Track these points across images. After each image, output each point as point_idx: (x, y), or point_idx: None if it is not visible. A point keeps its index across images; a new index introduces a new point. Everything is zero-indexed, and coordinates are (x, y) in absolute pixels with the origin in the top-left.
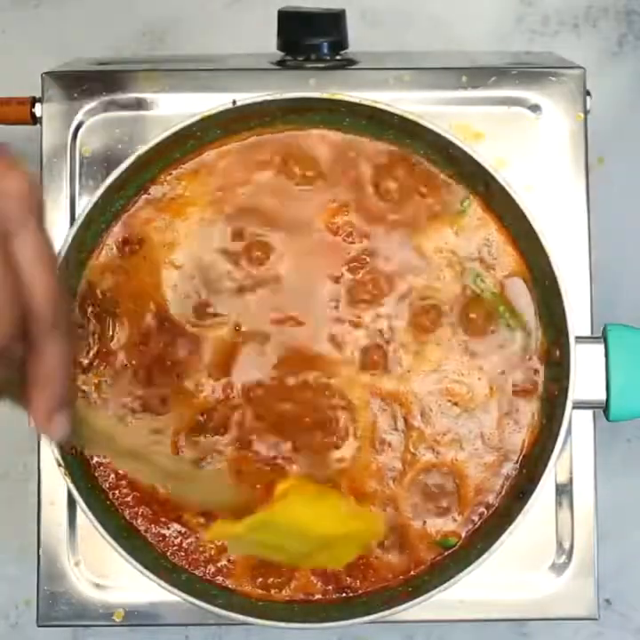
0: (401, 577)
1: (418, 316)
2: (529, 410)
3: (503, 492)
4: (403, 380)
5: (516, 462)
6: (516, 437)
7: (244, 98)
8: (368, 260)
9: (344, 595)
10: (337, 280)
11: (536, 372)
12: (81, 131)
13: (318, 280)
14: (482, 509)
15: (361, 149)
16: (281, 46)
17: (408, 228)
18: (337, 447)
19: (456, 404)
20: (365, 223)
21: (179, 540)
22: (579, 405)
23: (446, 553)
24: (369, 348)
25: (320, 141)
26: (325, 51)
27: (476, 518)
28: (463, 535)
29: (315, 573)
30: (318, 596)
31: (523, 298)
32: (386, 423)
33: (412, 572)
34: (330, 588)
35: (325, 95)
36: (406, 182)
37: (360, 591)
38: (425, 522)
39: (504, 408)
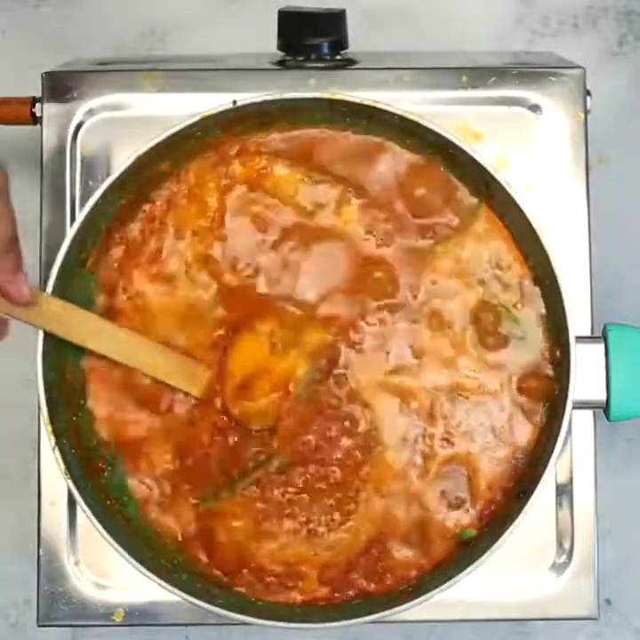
0: (416, 574)
1: (432, 317)
2: (534, 410)
3: (511, 488)
4: (417, 376)
5: (519, 462)
6: (524, 435)
7: (244, 98)
8: (384, 262)
9: (351, 596)
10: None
11: (541, 372)
12: (81, 131)
13: (328, 278)
14: (494, 504)
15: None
16: (281, 46)
17: (420, 233)
18: (358, 450)
19: (467, 398)
20: (382, 228)
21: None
22: (579, 405)
23: (462, 548)
24: (384, 348)
25: (331, 142)
26: (325, 51)
27: (488, 512)
28: (480, 526)
29: (322, 581)
30: (323, 600)
31: (532, 301)
32: (402, 420)
33: (428, 569)
34: (337, 595)
35: (325, 95)
36: (422, 189)
37: (373, 593)
38: (444, 515)
39: (511, 408)
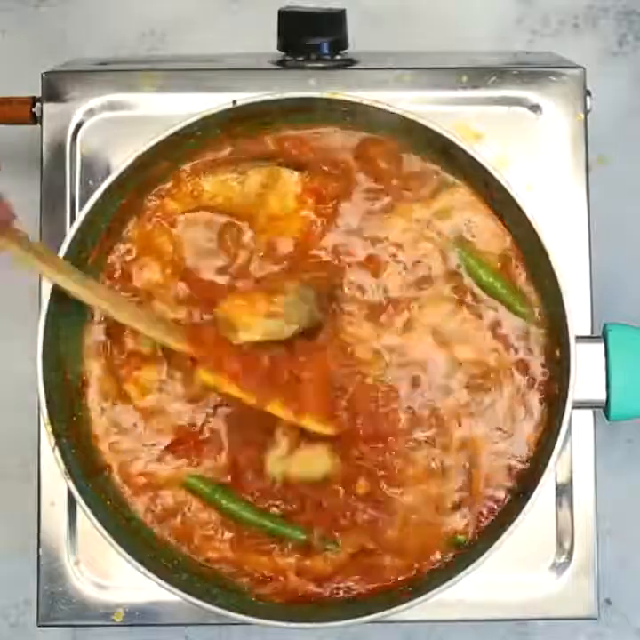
0: (402, 578)
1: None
2: (532, 406)
3: (510, 488)
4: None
5: (519, 460)
6: (521, 433)
7: (244, 98)
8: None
9: (343, 594)
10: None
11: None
12: (81, 131)
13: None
14: (490, 504)
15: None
16: (281, 46)
17: (395, 206)
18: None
19: (472, 386)
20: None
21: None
22: (579, 405)
23: (453, 554)
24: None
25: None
26: (325, 51)
27: (482, 516)
28: (472, 532)
29: (300, 574)
30: (315, 596)
31: (519, 277)
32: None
33: (416, 571)
34: (323, 587)
35: (325, 95)
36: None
37: (360, 592)
38: (441, 518)
39: (512, 392)
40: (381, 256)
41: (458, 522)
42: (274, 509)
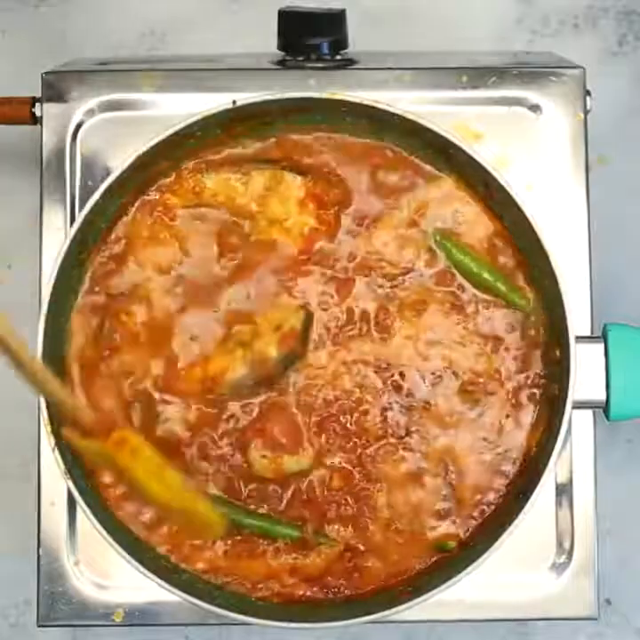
0: (394, 579)
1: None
2: (530, 407)
3: (503, 492)
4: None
5: (516, 462)
6: (517, 435)
7: (244, 98)
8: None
9: (335, 594)
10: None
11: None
12: (81, 131)
13: None
14: (481, 508)
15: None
16: (281, 46)
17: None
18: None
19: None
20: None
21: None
22: (579, 405)
23: (443, 556)
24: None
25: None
26: (325, 51)
27: (474, 520)
28: (462, 537)
29: (292, 574)
30: (307, 596)
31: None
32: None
33: (405, 576)
34: (315, 588)
35: (325, 95)
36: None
37: (347, 592)
38: (426, 525)
39: (503, 396)
40: (370, 265)
41: (445, 529)
42: (262, 510)
